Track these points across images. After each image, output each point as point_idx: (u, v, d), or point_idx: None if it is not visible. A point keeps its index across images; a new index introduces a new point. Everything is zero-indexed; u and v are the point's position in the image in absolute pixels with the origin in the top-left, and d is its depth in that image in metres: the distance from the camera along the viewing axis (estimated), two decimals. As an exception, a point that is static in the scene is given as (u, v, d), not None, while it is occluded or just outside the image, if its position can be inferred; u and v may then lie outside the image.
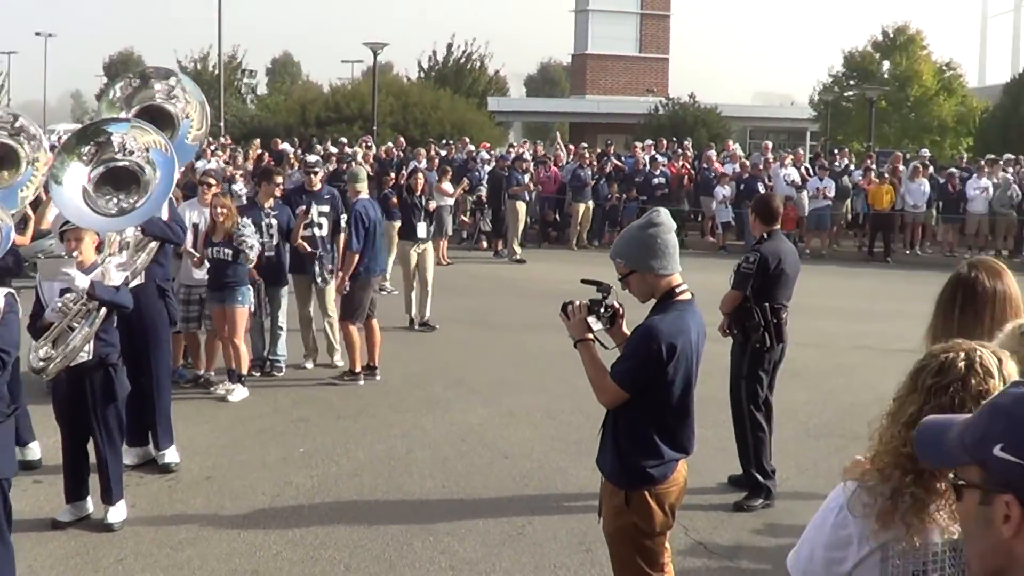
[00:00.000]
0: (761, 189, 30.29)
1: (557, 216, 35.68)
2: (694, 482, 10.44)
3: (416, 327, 19.48)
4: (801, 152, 39.40)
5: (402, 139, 41.01)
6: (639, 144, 38.84)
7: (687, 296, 6.78)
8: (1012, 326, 4.08)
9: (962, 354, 3.59)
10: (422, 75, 68.19)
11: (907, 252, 34.20)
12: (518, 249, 30.67)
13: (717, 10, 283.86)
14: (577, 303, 6.85)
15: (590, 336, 6.81)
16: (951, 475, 2.49)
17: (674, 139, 40.13)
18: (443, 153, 36.81)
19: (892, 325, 19.28)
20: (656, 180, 34.32)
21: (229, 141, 41.21)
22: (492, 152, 37.53)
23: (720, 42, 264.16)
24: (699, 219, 36.47)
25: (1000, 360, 3.62)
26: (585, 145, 38.42)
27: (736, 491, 11.08)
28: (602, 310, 6.87)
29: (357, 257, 15.21)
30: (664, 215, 6.79)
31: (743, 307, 10.86)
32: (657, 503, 6.78)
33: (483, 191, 33.29)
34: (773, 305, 10.86)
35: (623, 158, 37.30)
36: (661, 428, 6.75)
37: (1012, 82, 52.70)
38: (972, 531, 2.45)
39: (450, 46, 68.27)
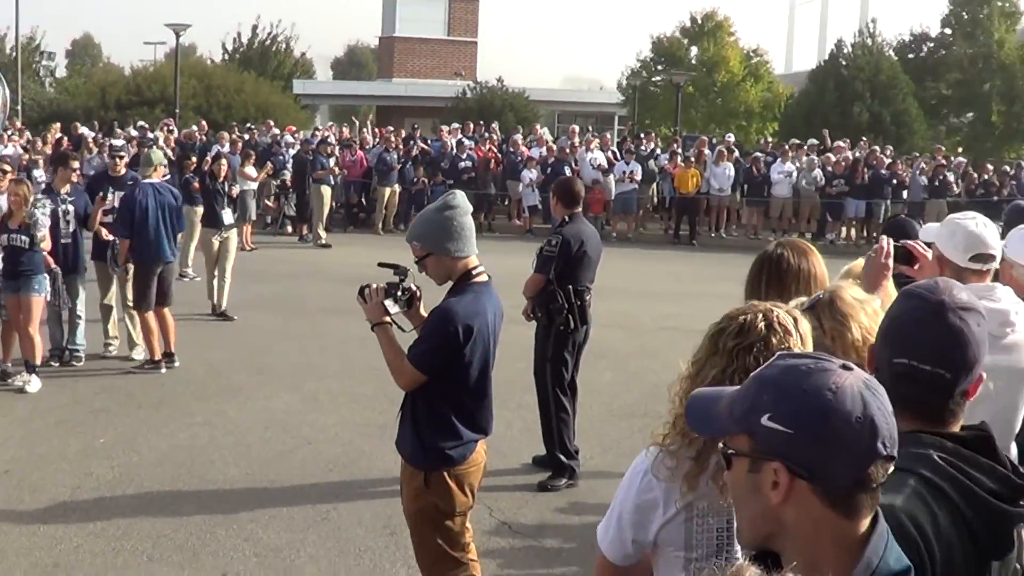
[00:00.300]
0: (568, 173, 30.49)
1: (363, 200, 35.49)
2: (499, 463, 10.50)
3: (214, 315, 19.18)
4: (608, 136, 39.85)
5: (205, 123, 40.41)
6: (446, 128, 38.83)
7: (484, 278, 6.81)
8: (794, 302, 4.15)
9: (760, 314, 3.73)
10: (226, 57, 67.26)
11: (712, 235, 34.91)
12: (323, 234, 30.48)
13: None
14: (374, 286, 6.84)
15: (387, 319, 6.80)
16: (721, 445, 2.53)
17: (481, 123, 40.24)
18: (246, 137, 36.34)
19: (696, 306, 19.50)
20: (463, 164, 34.40)
21: (20, 126, 39.96)
22: (297, 136, 37.17)
23: (530, 26, 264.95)
24: (506, 203, 36.61)
25: (795, 319, 3.71)
26: (391, 128, 38.30)
27: (540, 471, 11.15)
28: (399, 293, 6.86)
29: (128, 244, 14.91)
30: (460, 197, 6.80)
31: (547, 290, 10.90)
32: (457, 484, 6.81)
33: (287, 175, 32.90)
34: (576, 287, 10.93)
35: (430, 142, 37.21)
36: (459, 409, 6.77)
37: (817, 69, 53.85)
38: (742, 498, 2.50)
39: (255, 28, 67.38)
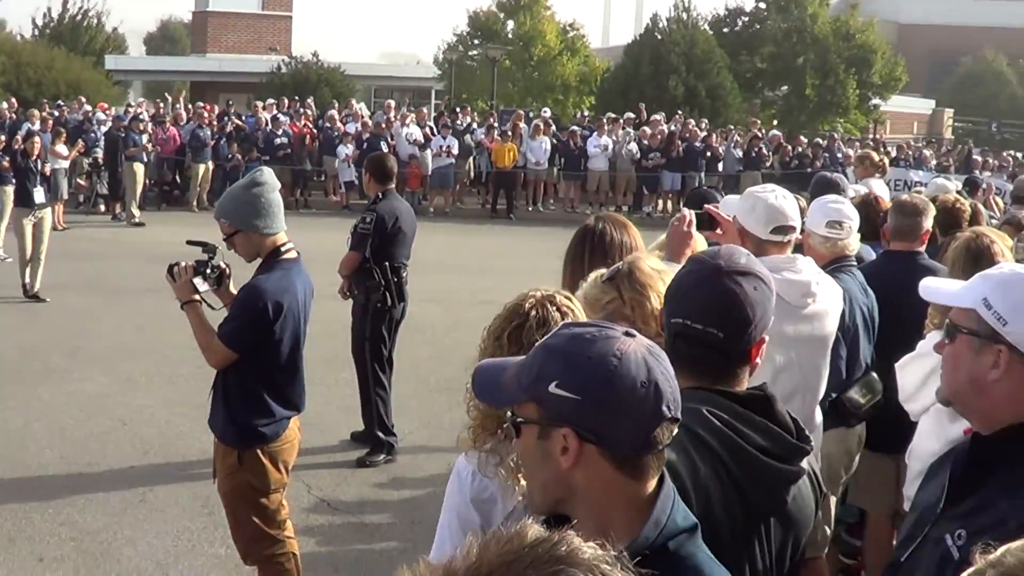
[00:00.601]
0: (384, 148, 30.42)
1: (176, 177, 34.96)
2: (316, 440, 10.54)
3: (27, 297, 18.72)
4: (425, 111, 39.80)
5: (15, 100, 39.40)
6: (260, 103, 38.44)
7: (293, 255, 6.84)
8: (594, 275, 4.25)
9: (534, 300, 3.84)
10: (36, 33, 65.55)
11: (530, 209, 35.09)
12: (136, 212, 29.96)
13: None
14: (183, 264, 6.81)
15: (196, 297, 6.79)
16: (509, 414, 2.58)
17: (296, 98, 39.89)
18: (56, 114, 35.50)
19: (513, 280, 19.56)
20: (279, 140, 34.03)
21: None
22: (109, 112, 36.45)
23: (345, 1, 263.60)
24: (322, 179, 36.37)
25: (571, 302, 3.86)
26: (202, 104, 37.77)
27: (359, 447, 11.22)
28: (208, 271, 6.85)
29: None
30: (267, 174, 6.80)
31: (363, 267, 10.93)
32: (271, 461, 6.84)
33: (99, 153, 32.18)
34: (392, 264, 10.98)
35: (244, 118, 36.80)
36: (271, 386, 6.80)
37: (633, 43, 54.43)
38: (533, 465, 2.57)
39: (65, 2, 65.61)
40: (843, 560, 8.17)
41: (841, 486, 7.33)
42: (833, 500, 6.81)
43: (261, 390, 6.76)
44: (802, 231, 7.22)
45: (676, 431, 2.80)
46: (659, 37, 50.55)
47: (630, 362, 2.43)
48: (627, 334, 2.51)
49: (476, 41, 56.61)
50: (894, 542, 4.67)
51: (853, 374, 7.00)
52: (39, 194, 19.02)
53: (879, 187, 12.10)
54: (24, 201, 19.14)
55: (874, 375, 7.06)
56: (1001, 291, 3.04)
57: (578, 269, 4.97)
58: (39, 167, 19.24)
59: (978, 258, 6.10)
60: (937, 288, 3.38)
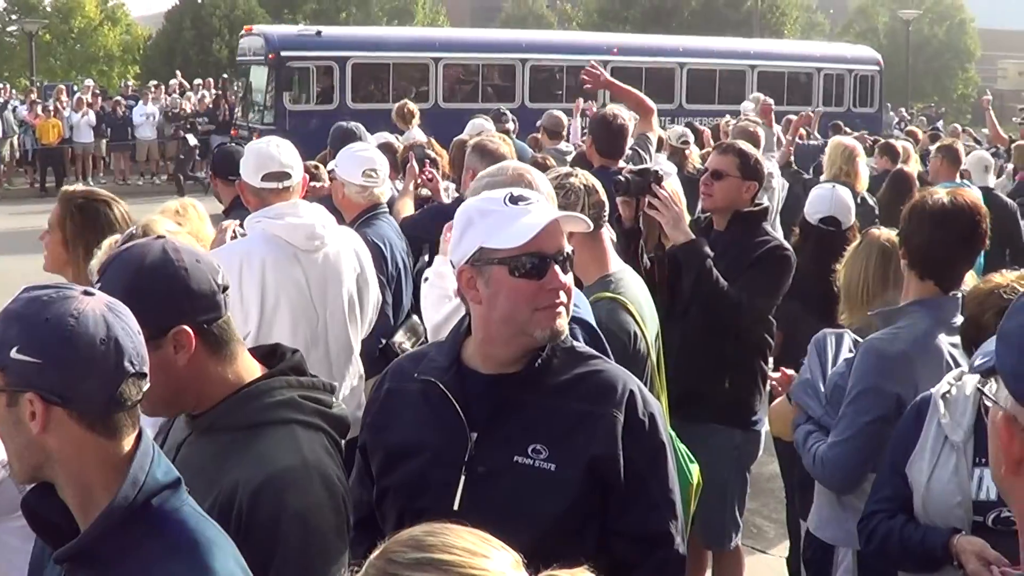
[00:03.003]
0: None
1: None
2: None
3: None
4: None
5: None
6: None
7: None
8: (108, 241, 4.33)
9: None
10: None
11: (81, 184, 34.05)
12: None
13: None
14: None
15: None
16: None
17: None
18: None
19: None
20: None
21: None
22: None
23: None
24: None
25: None
26: None
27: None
28: None
29: None
30: None
31: None
32: None
33: None
34: None
35: None
36: None
37: (173, 8, 53.80)
38: (7, 434, 2.55)
39: None
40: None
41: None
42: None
43: None
44: (331, 179, 7.44)
45: (295, 432, 3.02)
46: (199, 1, 50.12)
47: (88, 320, 2.45)
48: (86, 293, 2.53)
49: (13, 16, 54.75)
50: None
51: (398, 319, 7.19)
52: None
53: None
54: None
55: (415, 318, 7.19)
56: None
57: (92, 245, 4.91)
58: None
59: None
60: None
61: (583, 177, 4.93)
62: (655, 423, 3.38)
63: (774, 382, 5.58)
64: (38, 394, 2.44)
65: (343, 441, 3.33)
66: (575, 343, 3.50)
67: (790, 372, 5.29)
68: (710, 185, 6.49)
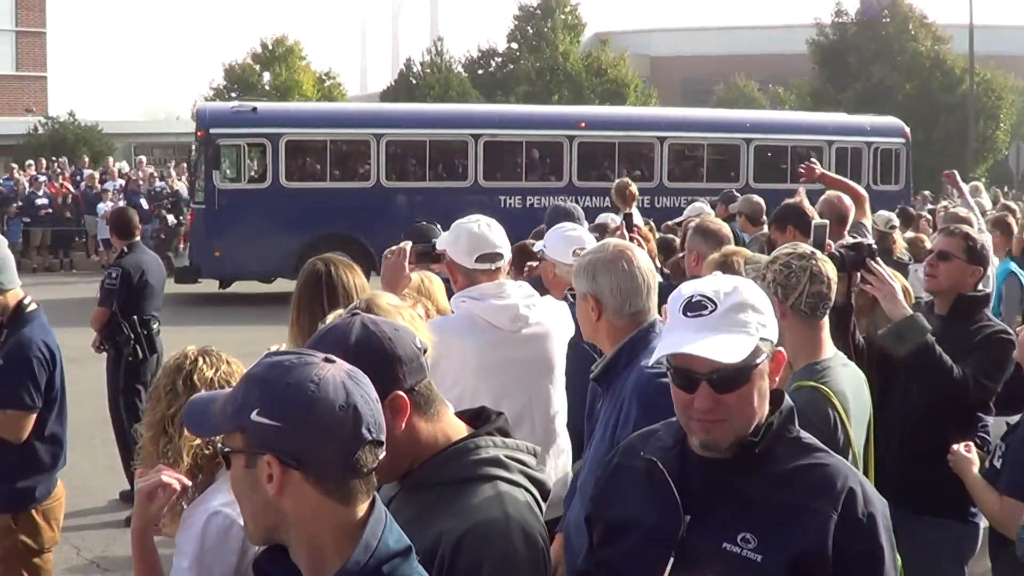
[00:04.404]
0: (144, 205, 30.11)
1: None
2: (85, 502, 10.39)
3: None
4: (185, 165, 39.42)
5: None
6: (16, 165, 37.69)
7: (35, 306, 6.69)
8: (332, 315, 4.34)
9: (193, 349, 4.21)
10: None
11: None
12: None
13: (96, 27, 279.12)
14: None
15: None
16: (220, 444, 2.62)
17: (54, 158, 39.17)
18: None
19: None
20: (39, 201, 33.54)
21: None
22: None
23: (102, 59, 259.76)
24: (84, 239, 35.70)
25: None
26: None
27: (129, 506, 11.00)
28: None
29: None
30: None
31: (112, 322, 10.92)
32: (44, 519, 6.66)
33: None
34: (142, 317, 10.98)
35: (2, 180, 36.06)
36: (44, 440, 6.62)
37: (389, 89, 54.88)
38: (243, 495, 2.61)
39: None
40: None
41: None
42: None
43: (35, 446, 6.58)
44: (541, 260, 7.46)
45: (496, 487, 3.04)
46: (414, 82, 50.99)
47: (328, 386, 2.48)
48: (327, 360, 2.57)
49: (234, 95, 56.35)
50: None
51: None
52: None
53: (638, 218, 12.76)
54: None
55: None
56: None
57: (317, 314, 4.97)
58: None
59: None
60: None
61: (819, 263, 4.81)
62: (875, 524, 3.26)
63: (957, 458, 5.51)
64: (276, 457, 2.48)
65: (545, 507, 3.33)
66: (802, 434, 3.42)
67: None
68: (935, 266, 6.41)
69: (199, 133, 27.01)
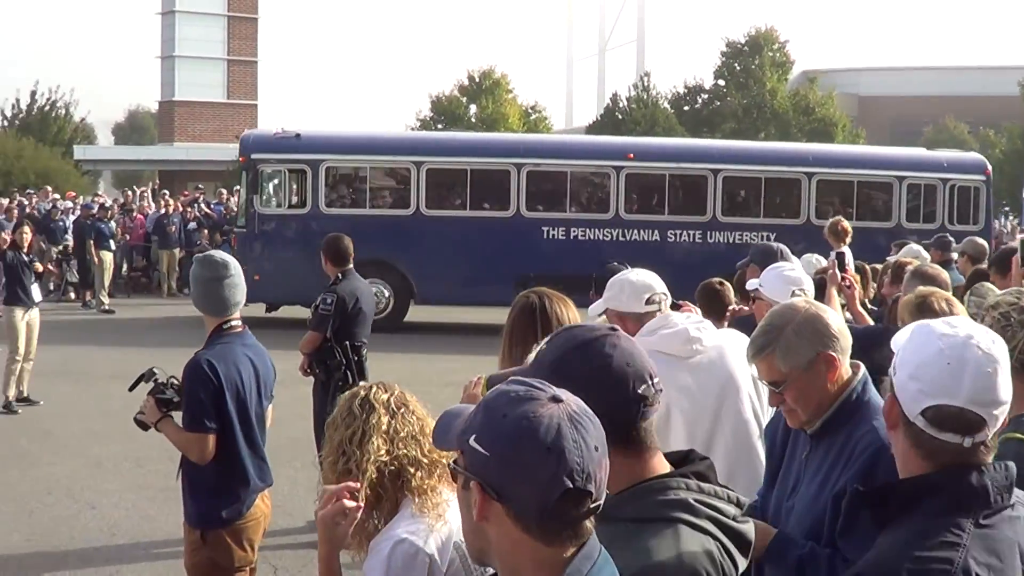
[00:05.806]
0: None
1: (146, 264, 35.34)
2: (284, 522, 10.60)
3: (15, 404, 17.21)
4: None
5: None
6: (226, 190, 38.74)
7: (237, 328, 6.91)
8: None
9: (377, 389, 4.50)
10: (5, 124, 65.67)
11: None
12: (106, 299, 30.33)
13: (303, 55, 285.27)
14: (145, 403, 6.90)
15: (163, 410, 6.83)
16: (453, 461, 2.64)
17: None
18: (25, 204, 35.60)
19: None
20: (249, 226, 34.23)
21: None
22: (76, 201, 36.65)
23: (312, 88, 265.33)
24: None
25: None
26: (166, 192, 38.22)
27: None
28: (164, 394, 6.86)
29: None
30: (205, 261, 6.94)
31: (324, 347, 11.13)
32: (234, 539, 6.79)
33: (69, 241, 32.43)
34: (353, 343, 11.18)
35: (212, 205, 37.04)
36: (230, 462, 6.77)
37: (595, 123, 55.03)
38: (462, 511, 2.65)
39: (33, 93, 65.84)
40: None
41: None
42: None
43: (221, 469, 6.74)
44: (754, 301, 7.44)
45: (677, 529, 3.03)
46: (620, 117, 51.01)
47: (540, 425, 2.44)
48: (553, 398, 2.52)
49: (440, 126, 57.02)
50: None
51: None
52: (36, 291, 17.95)
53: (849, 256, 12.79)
54: (18, 299, 17.56)
55: None
56: None
57: (531, 347, 4.80)
58: (31, 261, 17.91)
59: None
60: None
61: None
62: None
63: None
64: (480, 485, 2.49)
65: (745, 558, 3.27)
66: None
67: None
68: None
69: (241, 159, 27.53)
